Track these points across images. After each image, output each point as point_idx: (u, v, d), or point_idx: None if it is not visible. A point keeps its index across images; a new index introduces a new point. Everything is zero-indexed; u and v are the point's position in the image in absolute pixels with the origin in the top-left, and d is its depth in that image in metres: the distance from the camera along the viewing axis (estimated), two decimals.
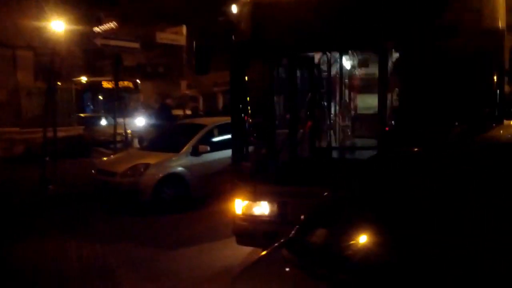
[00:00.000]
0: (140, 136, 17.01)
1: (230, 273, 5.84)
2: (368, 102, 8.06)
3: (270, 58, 5.91)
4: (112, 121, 21.88)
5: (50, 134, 11.52)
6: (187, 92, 30.23)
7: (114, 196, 9.19)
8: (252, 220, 5.78)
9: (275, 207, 5.66)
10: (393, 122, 6.10)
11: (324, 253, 2.76)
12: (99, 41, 12.22)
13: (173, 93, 26.45)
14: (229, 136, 10.07)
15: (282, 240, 3.26)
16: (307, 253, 2.84)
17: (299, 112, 6.34)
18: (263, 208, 5.74)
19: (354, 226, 2.87)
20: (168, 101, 15.91)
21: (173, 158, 9.38)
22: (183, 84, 17.55)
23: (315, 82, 6.85)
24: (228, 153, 9.68)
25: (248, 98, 6.05)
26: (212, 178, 9.68)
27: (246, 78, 5.96)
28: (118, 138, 19.86)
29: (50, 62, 10.55)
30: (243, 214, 5.82)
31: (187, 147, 9.52)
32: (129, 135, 18.83)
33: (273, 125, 6.03)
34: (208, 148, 9.59)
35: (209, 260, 6.57)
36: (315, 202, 3.66)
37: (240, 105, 5.94)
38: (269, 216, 5.71)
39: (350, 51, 7.03)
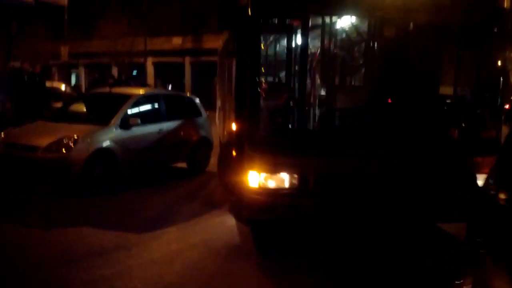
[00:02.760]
0: None
1: (226, 249, 5.63)
2: None
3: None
4: None
5: None
6: (12, 63, 27.01)
7: (33, 174, 7.82)
8: (270, 193, 5.48)
9: (296, 179, 5.45)
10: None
11: None
12: None
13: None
14: (156, 107, 9.47)
15: None
16: None
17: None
18: (282, 181, 5.47)
19: None
20: (25, 65, 13.88)
21: (101, 131, 8.32)
22: (64, 50, 15.52)
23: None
24: (157, 127, 9.09)
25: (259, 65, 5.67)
26: (142, 154, 8.91)
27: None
28: None
29: None
30: (259, 187, 5.47)
31: (116, 119, 8.53)
32: None
33: (291, 93, 5.72)
34: (139, 121, 8.75)
35: (196, 238, 6.05)
36: None
37: (253, 72, 5.52)
38: (289, 188, 5.47)
39: None
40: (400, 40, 5.86)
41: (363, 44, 6.39)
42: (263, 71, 5.84)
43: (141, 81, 28.51)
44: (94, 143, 8.13)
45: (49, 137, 7.95)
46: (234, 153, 7.33)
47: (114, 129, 8.45)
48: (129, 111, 8.84)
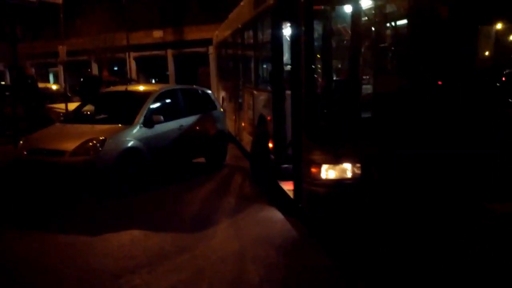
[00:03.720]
0: None
1: (287, 244, 5.55)
2: None
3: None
4: None
5: None
6: None
7: (61, 179, 7.55)
8: (332, 184, 5.40)
9: (359, 169, 5.37)
10: None
11: None
12: None
13: None
14: (175, 103, 9.23)
15: None
16: None
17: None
18: (345, 171, 5.39)
19: None
20: (29, 70, 13.69)
21: (126, 131, 8.08)
22: (62, 50, 15.06)
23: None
24: (178, 123, 8.88)
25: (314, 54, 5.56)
26: (166, 151, 8.73)
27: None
28: None
29: None
30: (321, 179, 5.38)
31: (139, 118, 8.30)
32: None
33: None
34: (162, 118, 8.54)
35: (252, 234, 5.93)
36: None
37: (308, 61, 5.40)
38: (352, 179, 5.39)
39: None
40: (441, 21, 5.79)
41: (405, 29, 6.29)
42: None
43: (125, 77, 28.10)
44: (122, 143, 7.90)
45: (75, 140, 7.69)
46: (271, 145, 7.25)
47: (139, 128, 8.22)
48: (151, 109, 8.60)
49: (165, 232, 6.03)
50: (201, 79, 29.28)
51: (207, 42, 28.98)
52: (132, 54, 30.98)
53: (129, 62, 29.07)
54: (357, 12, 5.39)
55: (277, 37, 6.95)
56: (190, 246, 5.55)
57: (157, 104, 8.88)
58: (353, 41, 5.50)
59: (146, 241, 5.77)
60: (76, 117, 9.18)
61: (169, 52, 31.58)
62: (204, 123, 9.88)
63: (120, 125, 8.23)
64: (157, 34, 31.22)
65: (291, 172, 6.77)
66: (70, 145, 7.59)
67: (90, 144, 7.60)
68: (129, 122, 8.25)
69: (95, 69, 31.85)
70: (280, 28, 6.92)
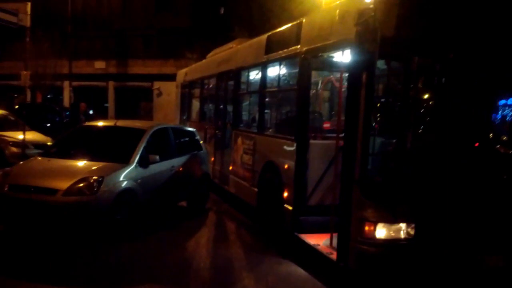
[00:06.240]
0: None
1: None
2: None
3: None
4: None
5: None
6: None
7: (51, 221, 6.70)
8: (387, 245, 5.11)
9: (413, 229, 5.14)
10: None
11: None
12: None
13: None
14: (166, 142, 8.61)
15: None
16: None
17: None
18: (400, 231, 5.14)
19: None
20: None
21: (123, 170, 7.38)
22: (25, 76, 14.00)
23: None
24: (170, 163, 8.27)
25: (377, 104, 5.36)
26: (158, 193, 8.12)
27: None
28: None
29: None
30: (376, 238, 5.08)
31: (135, 157, 7.64)
32: None
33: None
34: (158, 158, 7.93)
35: None
36: None
37: (367, 111, 5.15)
38: (406, 239, 5.14)
39: None
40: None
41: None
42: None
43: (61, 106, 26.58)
44: (119, 184, 7.21)
45: (67, 178, 6.92)
46: (286, 194, 6.91)
47: (134, 167, 7.55)
48: (146, 147, 7.95)
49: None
50: (143, 114, 28.47)
51: (151, 77, 28.45)
52: (72, 83, 29.51)
53: (69, 91, 27.52)
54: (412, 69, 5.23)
55: (304, 86, 6.71)
56: None
57: (152, 143, 8.23)
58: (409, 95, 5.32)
59: None
60: (59, 151, 8.27)
61: (111, 84, 30.37)
62: (192, 164, 9.36)
63: (116, 163, 7.50)
64: (99, 64, 30.00)
65: (312, 225, 6.50)
66: (62, 184, 6.80)
67: (85, 183, 6.85)
68: (124, 161, 7.57)
69: (27, 95, 29.86)
70: (308, 77, 6.69)
